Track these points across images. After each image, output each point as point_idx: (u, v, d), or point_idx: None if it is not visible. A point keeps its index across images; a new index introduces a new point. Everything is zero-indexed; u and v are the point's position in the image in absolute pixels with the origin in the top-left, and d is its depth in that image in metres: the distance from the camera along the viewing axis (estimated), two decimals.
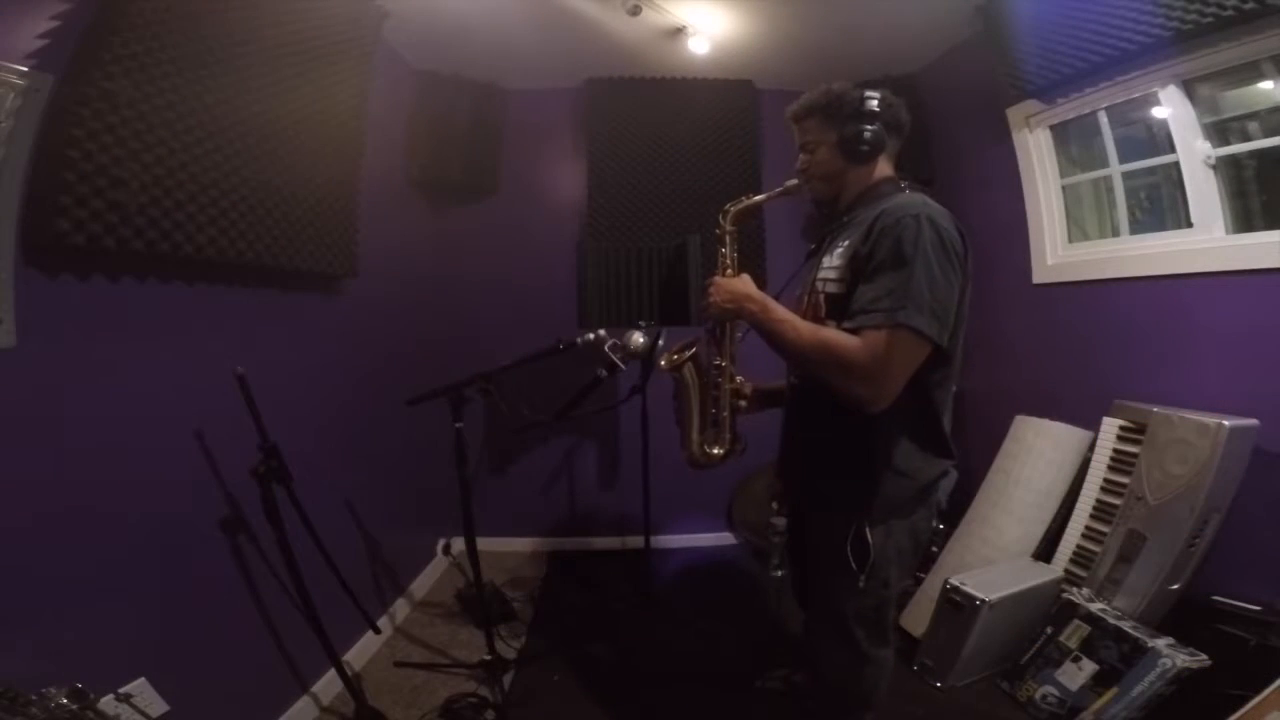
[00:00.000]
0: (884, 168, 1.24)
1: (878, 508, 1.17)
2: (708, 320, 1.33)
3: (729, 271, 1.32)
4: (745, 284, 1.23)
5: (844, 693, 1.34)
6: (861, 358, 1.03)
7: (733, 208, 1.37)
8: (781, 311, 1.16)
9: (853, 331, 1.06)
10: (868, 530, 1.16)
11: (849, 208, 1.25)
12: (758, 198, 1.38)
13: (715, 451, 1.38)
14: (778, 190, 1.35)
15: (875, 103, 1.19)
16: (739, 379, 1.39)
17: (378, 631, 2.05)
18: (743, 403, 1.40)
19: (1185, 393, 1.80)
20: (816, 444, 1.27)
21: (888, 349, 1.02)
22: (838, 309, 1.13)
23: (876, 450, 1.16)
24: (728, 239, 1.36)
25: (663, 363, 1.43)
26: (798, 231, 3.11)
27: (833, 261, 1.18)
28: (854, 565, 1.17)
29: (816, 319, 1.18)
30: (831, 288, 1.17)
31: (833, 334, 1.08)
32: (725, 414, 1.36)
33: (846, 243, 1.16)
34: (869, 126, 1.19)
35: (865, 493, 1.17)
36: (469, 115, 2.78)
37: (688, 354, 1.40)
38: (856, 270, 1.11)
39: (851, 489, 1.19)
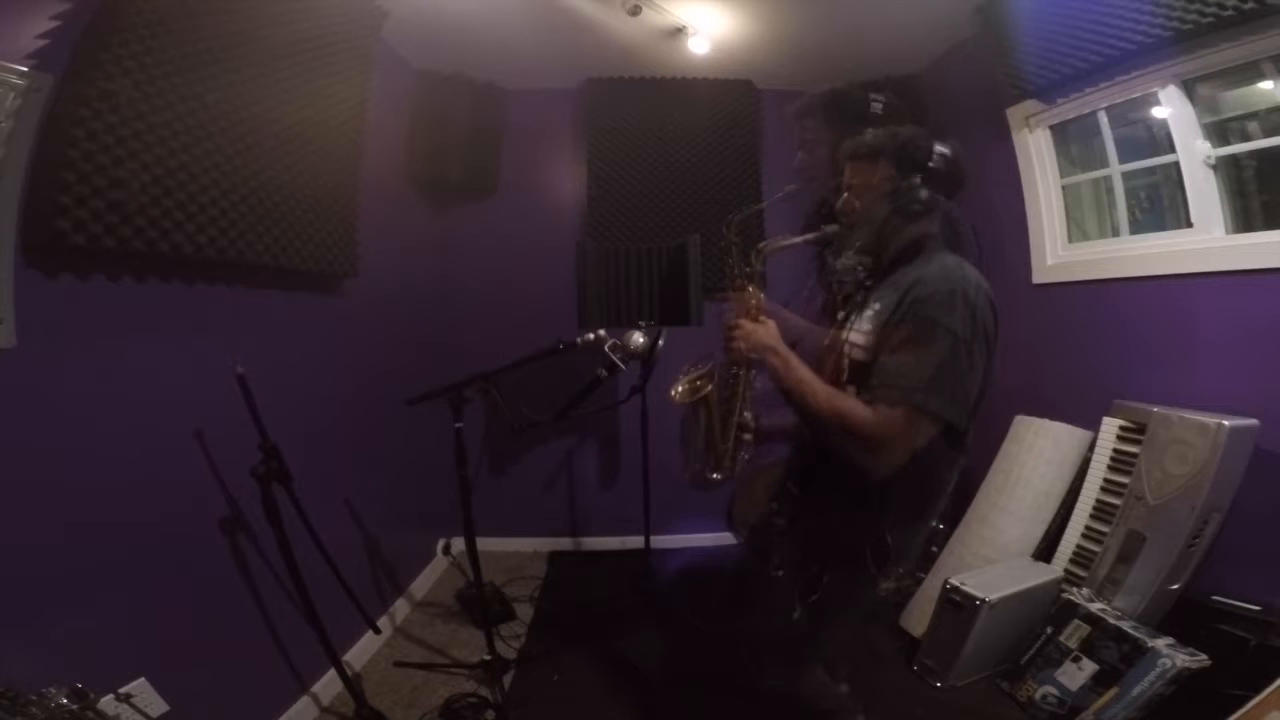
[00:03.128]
0: (931, 225, 1.18)
1: (846, 559, 1.20)
2: (723, 356, 1.31)
3: (753, 312, 1.26)
4: (770, 335, 1.19)
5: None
6: (873, 432, 1.02)
7: (767, 248, 1.32)
8: (803, 371, 1.13)
9: (869, 402, 1.04)
10: (826, 575, 1.21)
11: (890, 265, 1.19)
12: (795, 239, 1.33)
13: (715, 477, 1.39)
14: (816, 234, 1.30)
15: (941, 159, 1.12)
16: (747, 414, 1.37)
17: (378, 631, 2.05)
18: (748, 436, 1.39)
19: (1185, 393, 1.80)
20: (815, 489, 1.27)
21: (900, 428, 1.01)
22: (860, 375, 1.12)
23: (871, 510, 1.15)
24: (756, 278, 1.30)
25: (676, 394, 1.42)
26: (798, 230, 3.11)
27: (862, 325, 1.15)
28: (797, 598, 1.22)
29: (837, 382, 1.16)
30: (857, 354, 1.14)
31: (848, 404, 1.06)
32: (729, 445, 1.36)
33: (878, 306, 1.13)
34: (928, 183, 1.12)
35: (844, 543, 1.19)
36: (469, 115, 2.78)
37: (702, 392, 1.38)
38: (883, 340, 1.08)
39: (834, 538, 1.21)
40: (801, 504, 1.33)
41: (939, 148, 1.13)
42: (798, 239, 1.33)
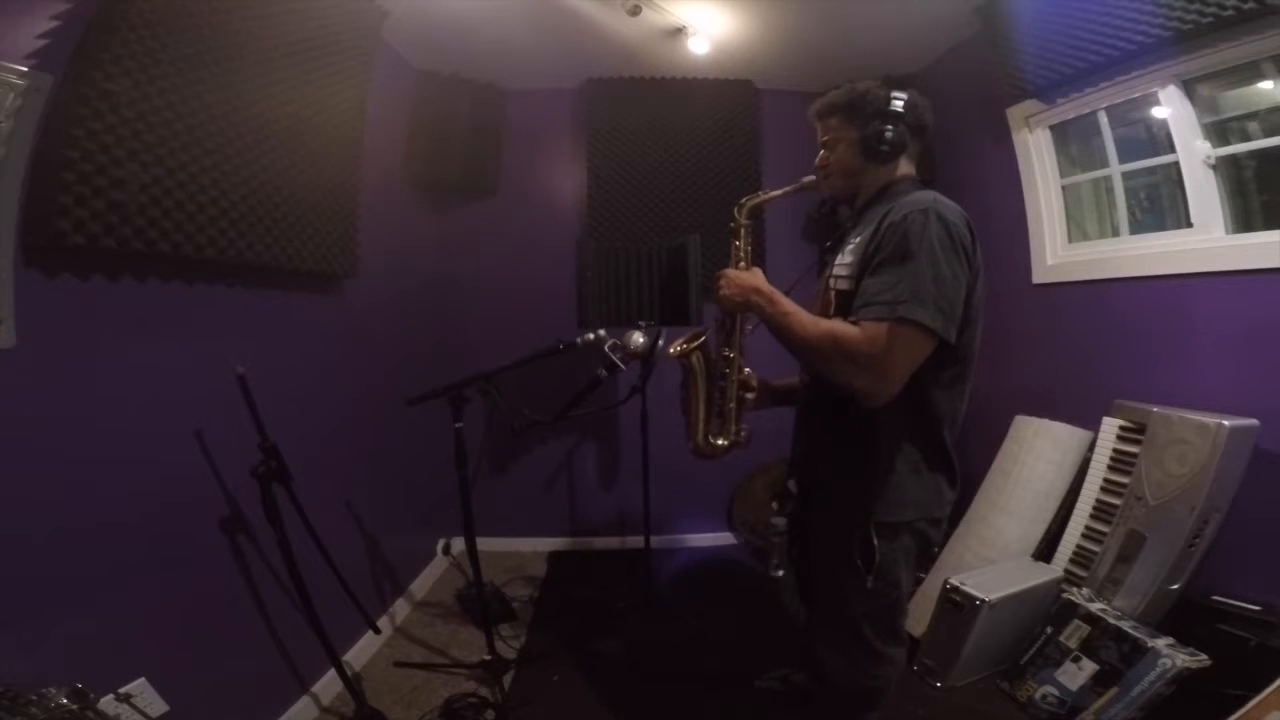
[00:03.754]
0: (904, 167, 1.24)
1: (882, 510, 1.17)
2: (717, 311, 1.34)
3: (741, 264, 1.32)
4: (755, 277, 1.23)
5: (851, 692, 1.33)
6: (863, 348, 1.03)
7: (748, 201, 1.37)
8: (788, 304, 1.16)
9: (855, 322, 1.06)
10: (874, 532, 1.17)
11: (865, 205, 1.25)
12: (775, 193, 1.37)
13: (720, 442, 1.39)
14: (793, 186, 1.35)
15: (900, 103, 1.18)
16: (746, 370, 1.39)
17: (378, 631, 2.05)
18: (749, 395, 1.40)
19: (1185, 393, 1.80)
20: (825, 443, 1.27)
21: (889, 341, 1.02)
22: (848, 305, 1.13)
23: (880, 454, 1.16)
24: (742, 232, 1.35)
25: (671, 350, 1.43)
26: (798, 230, 3.12)
27: (844, 259, 1.18)
28: (861, 566, 1.17)
29: (827, 315, 1.18)
30: (842, 284, 1.16)
31: (836, 324, 1.08)
32: (731, 405, 1.37)
33: (859, 239, 1.16)
34: (891, 126, 1.18)
35: (871, 495, 1.17)
36: (469, 115, 2.78)
37: (696, 343, 1.40)
38: (865, 266, 1.10)
39: (858, 490, 1.19)
40: (801, 501, 1.32)
41: (895, 93, 1.19)
42: (777, 192, 1.37)
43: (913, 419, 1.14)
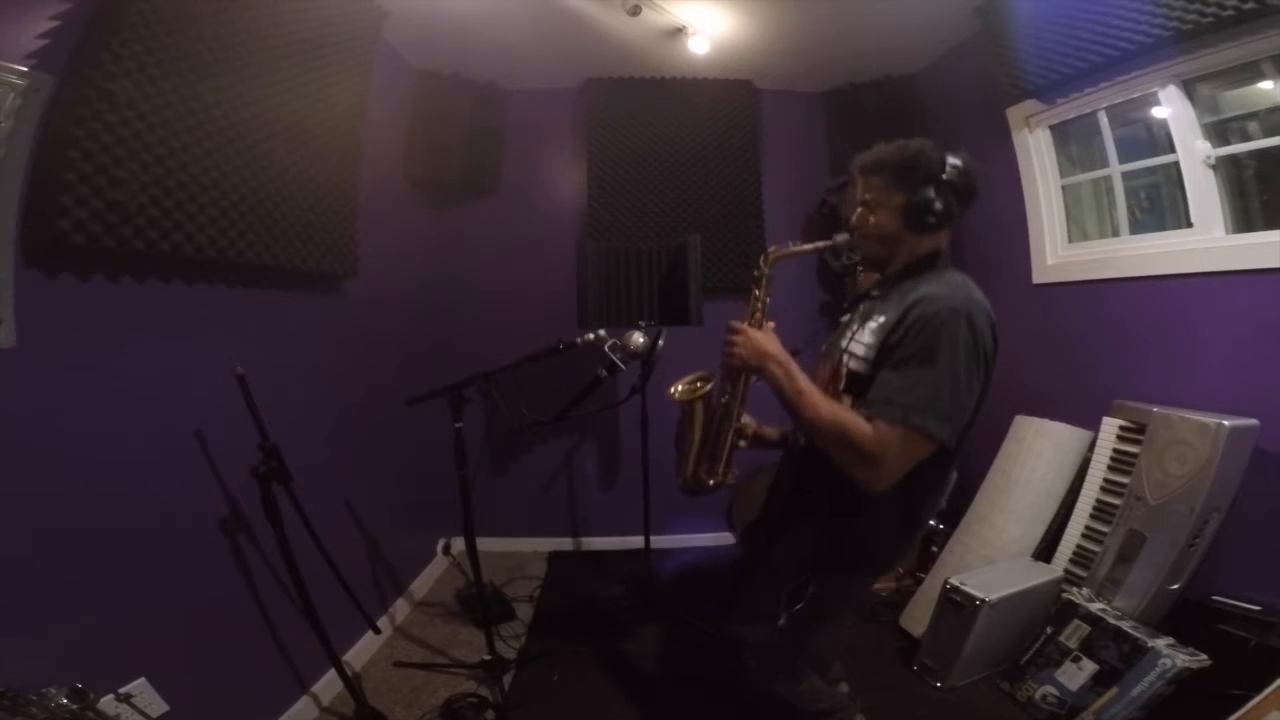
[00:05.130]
0: (942, 239, 1.18)
1: (832, 567, 1.21)
2: (727, 368, 1.29)
3: (757, 317, 1.25)
4: (771, 342, 1.17)
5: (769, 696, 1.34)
6: (871, 447, 1.02)
7: (775, 252, 1.28)
8: (802, 381, 1.12)
9: (868, 417, 1.05)
10: (814, 581, 1.21)
11: (896, 277, 1.20)
12: (805, 246, 1.31)
13: (710, 483, 1.38)
14: (826, 243, 1.30)
15: (954, 171, 1.11)
16: (745, 419, 1.37)
17: (378, 631, 2.05)
18: (743, 442, 1.40)
19: (1185, 393, 1.80)
20: (811, 486, 1.26)
21: (896, 445, 1.02)
22: (857, 386, 1.12)
23: (862, 513, 1.16)
24: (764, 282, 1.27)
25: (674, 392, 1.41)
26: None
27: (864, 337, 1.15)
28: (783, 604, 1.21)
29: (833, 390, 1.17)
30: (855, 365, 1.14)
31: (848, 418, 1.06)
32: (724, 450, 1.35)
33: (882, 320, 1.12)
34: (941, 197, 1.11)
35: (830, 552, 1.21)
36: (469, 115, 2.78)
37: (700, 391, 1.38)
38: (884, 354, 1.08)
39: (821, 546, 1.22)
40: (786, 513, 1.33)
41: (951, 159, 1.11)
42: (807, 246, 1.31)
43: (902, 495, 1.12)
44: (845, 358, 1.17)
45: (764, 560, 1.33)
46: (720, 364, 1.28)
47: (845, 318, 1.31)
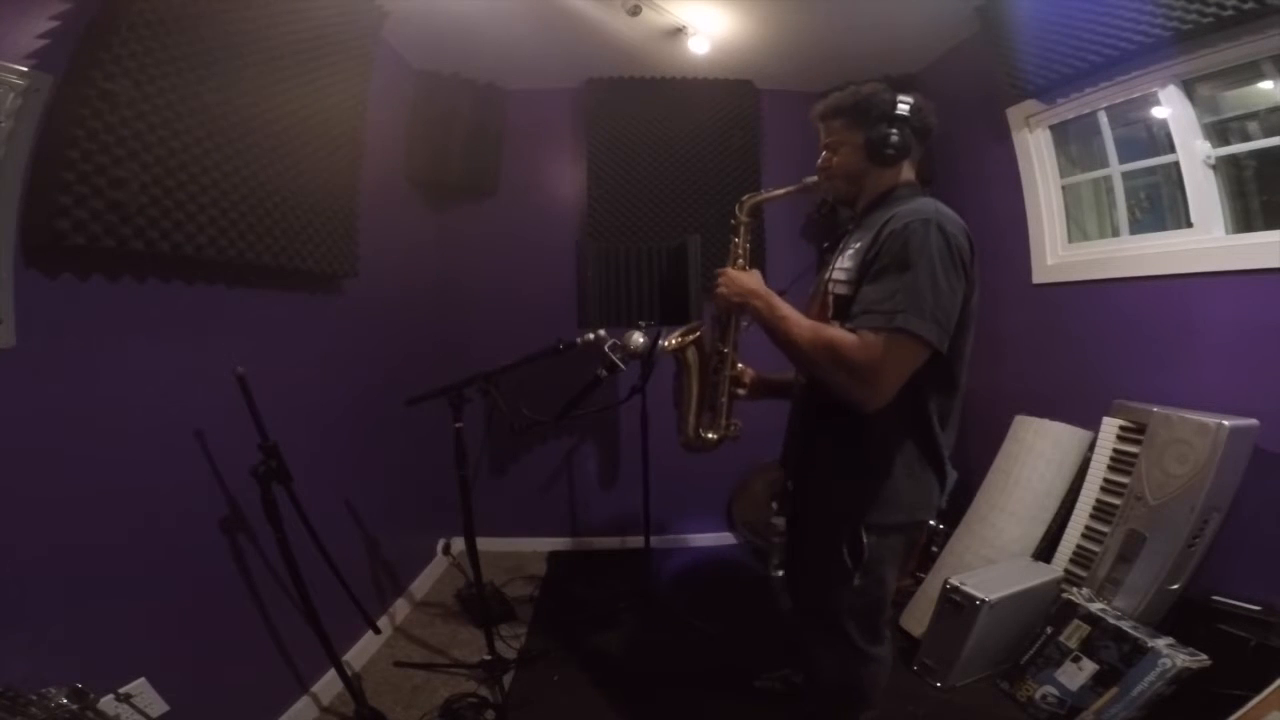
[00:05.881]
0: (906, 172, 1.23)
1: (874, 511, 1.18)
2: (713, 307, 1.34)
3: (740, 263, 1.32)
4: (754, 279, 1.23)
5: (840, 691, 1.34)
6: (858, 357, 1.03)
7: (749, 199, 1.36)
8: (785, 309, 1.17)
9: (852, 331, 1.06)
10: (864, 531, 1.18)
11: (866, 209, 1.25)
12: (777, 191, 1.36)
13: (710, 436, 1.39)
14: (795, 186, 1.35)
15: (906, 107, 1.17)
16: (739, 366, 1.40)
17: (378, 631, 2.06)
18: (741, 390, 1.41)
19: (1185, 393, 1.80)
20: (819, 443, 1.27)
21: (885, 351, 1.02)
22: (845, 310, 1.13)
23: (874, 455, 1.17)
24: (742, 229, 1.35)
25: (667, 343, 1.44)
26: (798, 230, 3.13)
27: (844, 263, 1.18)
28: (849, 563, 1.18)
29: (824, 319, 1.18)
30: (840, 289, 1.17)
31: (833, 332, 1.08)
32: (723, 399, 1.37)
33: (858, 244, 1.16)
34: (896, 130, 1.17)
35: (865, 495, 1.18)
36: (469, 115, 2.78)
37: (692, 337, 1.41)
38: (864, 272, 1.10)
39: (850, 490, 1.20)
40: (807, 473, 1.32)
41: (902, 97, 1.18)
42: (779, 191, 1.36)
43: (906, 420, 1.15)
44: (830, 285, 1.20)
45: (810, 528, 1.32)
46: (710, 314, 1.34)
47: (827, 254, 1.33)
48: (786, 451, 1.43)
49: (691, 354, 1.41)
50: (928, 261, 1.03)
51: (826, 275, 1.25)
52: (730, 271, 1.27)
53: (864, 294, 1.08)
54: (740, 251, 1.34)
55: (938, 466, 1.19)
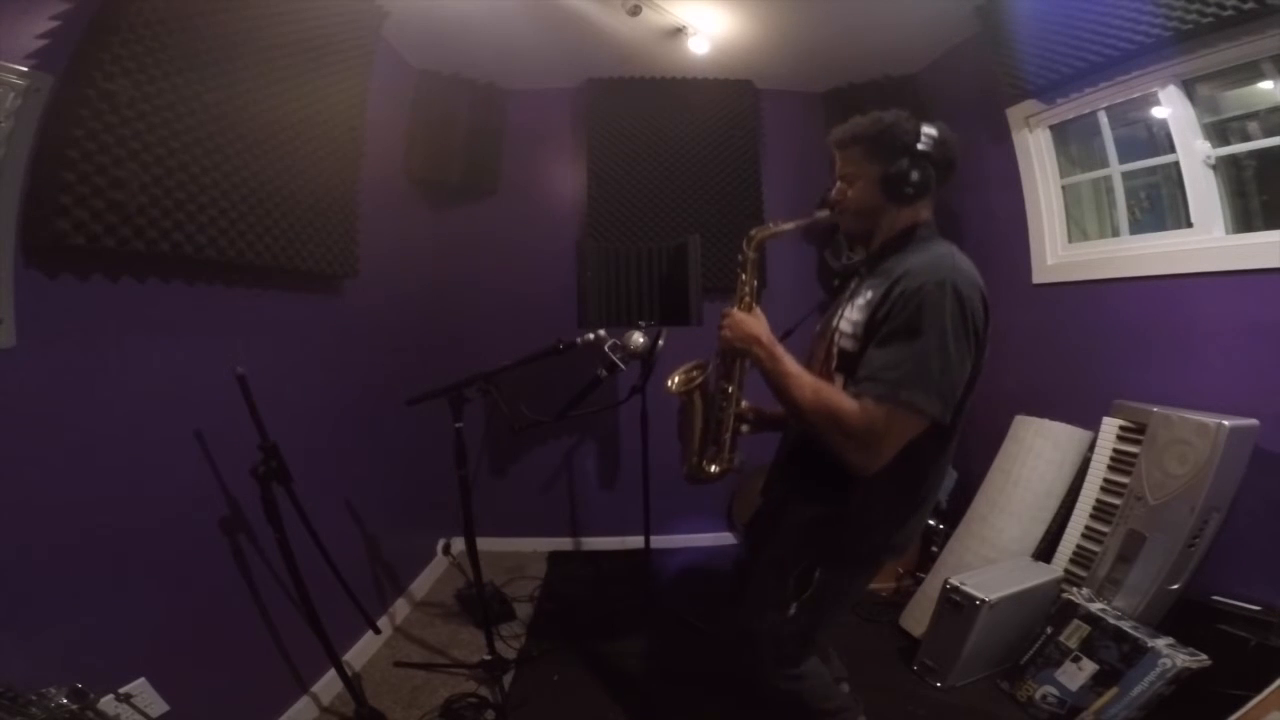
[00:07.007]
0: (924, 211, 1.16)
1: (835, 556, 1.20)
2: (718, 352, 1.30)
3: (746, 301, 1.25)
4: (758, 325, 1.17)
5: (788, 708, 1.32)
6: (858, 425, 1.00)
7: (758, 234, 1.29)
8: (788, 364, 1.11)
9: (855, 395, 1.03)
10: (819, 569, 1.20)
11: (880, 252, 1.18)
12: (786, 225, 1.29)
13: (713, 469, 1.37)
14: (806, 220, 1.29)
15: (929, 141, 1.09)
16: (744, 404, 1.37)
17: (378, 631, 2.06)
18: (745, 427, 1.39)
19: (1185, 393, 1.80)
20: (804, 476, 1.25)
21: (886, 422, 0.99)
22: (848, 365, 1.10)
23: (856, 501, 1.14)
24: (749, 265, 1.28)
25: (671, 385, 1.41)
26: (799, 240, 3.10)
27: (852, 314, 1.14)
28: (791, 593, 1.20)
29: (826, 368, 1.16)
30: (846, 343, 1.13)
31: (834, 396, 1.05)
32: (727, 435, 1.34)
33: (869, 295, 1.11)
34: (918, 167, 1.10)
35: (833, 538, 1.19)
36: (469, 115, 2.78)
37: (696, 381, 1.38)
38: (871, 330, 1.06)
39: (821, 532, 1.20)
40: (783, 500, 1.32)
41: (926, 129, 1.10)
42: (787, 225, 1.29)
43: (899, 471, 1.10)
44: (836, 336, 1.16)
45: (767, 550, 1.31)
46: (715, 350, 1.29)
47: (838, 294, 1.30)
48: (769, 477, 1.42)
49: (697, 395, 1.38)
50: (939, 331, 0.98)
51: (834, 323, 1.20)
52: (735, 314, 1.20)
53: (870, 358, 1.04)
54: (746, 290, 1.26)
55: (920, 510, 1.19)
